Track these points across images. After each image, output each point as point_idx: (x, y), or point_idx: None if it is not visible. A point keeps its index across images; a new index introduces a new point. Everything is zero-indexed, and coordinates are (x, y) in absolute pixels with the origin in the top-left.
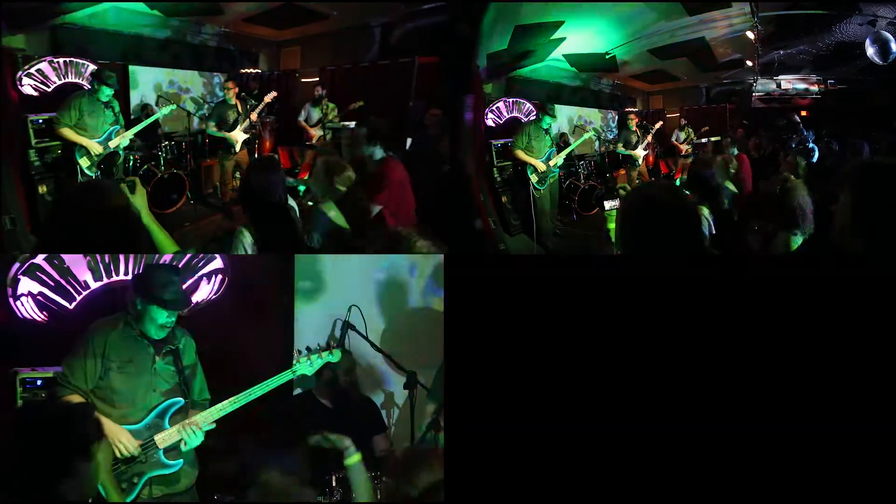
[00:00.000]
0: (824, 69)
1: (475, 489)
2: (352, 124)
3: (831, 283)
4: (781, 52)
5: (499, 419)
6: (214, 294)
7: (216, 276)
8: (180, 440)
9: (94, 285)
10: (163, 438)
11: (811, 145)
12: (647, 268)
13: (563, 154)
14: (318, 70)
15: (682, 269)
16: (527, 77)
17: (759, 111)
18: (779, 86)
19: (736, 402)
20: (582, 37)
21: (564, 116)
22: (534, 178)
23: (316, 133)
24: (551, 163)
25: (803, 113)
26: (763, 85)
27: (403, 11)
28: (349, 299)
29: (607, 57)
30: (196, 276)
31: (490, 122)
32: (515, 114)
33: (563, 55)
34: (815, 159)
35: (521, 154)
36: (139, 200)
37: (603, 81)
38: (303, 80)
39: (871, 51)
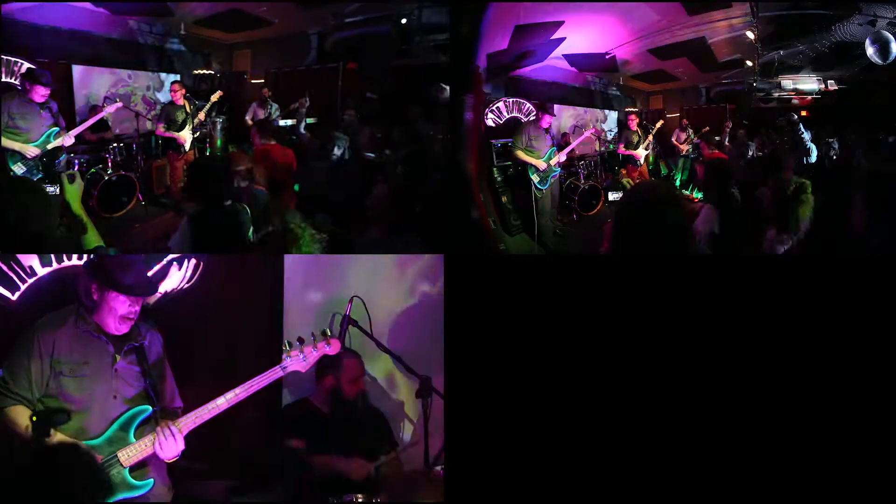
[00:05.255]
0: (824, 69)
1: (476, 490)
2: (289, 122)
3: (826, 284)
4: (781, 52)
5: (500, 419)
6: (187, 282)
7: (188, 262)
8: (151, 454)
9: (41, 272)
10: (128, 455)
11: (810, 145)
12: (646, 268)
13: (564, 153)
14: (264, 72)
15: (680, 269)
16: (527, 77)
17: (759, 111)
18: (779, 86)
19: (734, 401)
20: (582, 37)
21: (565, 116)
22: (535, 178)
23: None
24: (552, 162)
25: (803, 113)
26: (763, 85)
27: (333, 22)
28: (349, 289)
29: (607, 57)
30: (164, 261)
31: (490, 122)
32: (515, 114)
33: (563, 55)
34: (813, 159)
35: (521, 154)
36: (73, 191)
37: (603, 81)
38: (252, 81)
39: (871, 51)
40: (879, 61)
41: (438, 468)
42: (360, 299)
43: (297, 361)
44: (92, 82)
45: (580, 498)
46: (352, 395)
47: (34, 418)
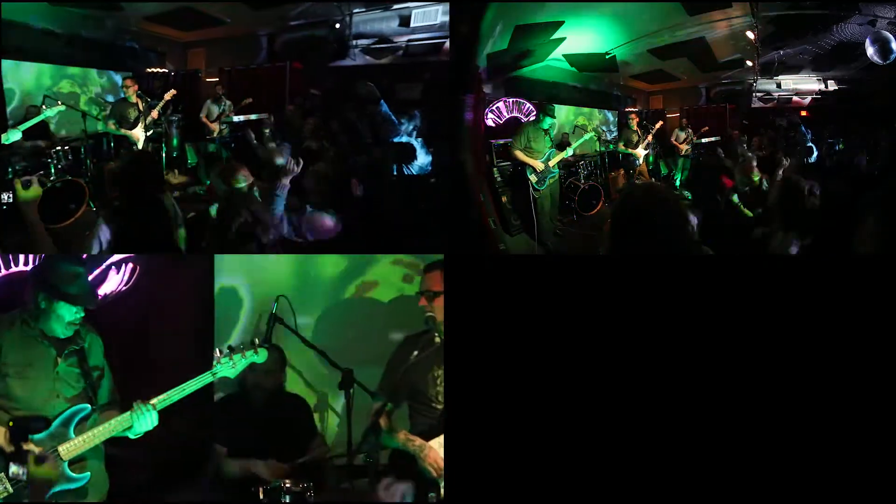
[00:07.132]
0: (824, 69)
1: (476, 489)
2: (242, 118)
3: (827, 284)
4: (781, 52)
5: (499, 418)
6: (125, 285)
7: (126, 266)
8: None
9: None
10: (67, 449)
11: (810, 145)
12: (646, 268)
13: (563, 154)
14: (217, 70)
15: (680, 270)
16: (527, 77)
17: (759, 111)
18: (779, 86)
19: (733, 401)
20: (582, 37)
21: (565, 116)
22: (533, 179)
23: (216, 127)
24: (551, 163)
25: (803, 113)
26: (763, 85)
27: (281, 24)
28: (276, 290)
29: (607, 57)
30: (103, 266)
31: (490, 122)
32: (515, 114)
33: (563, 55)
34: (813, 159)
35: (520, 155)
36: (28, 198)
37: (603, 81)
38: (206, 79)
39: (871, 51)
40: (879, 61)
41: (362, 455)
42: (286, 298)
43: (226, 368)
44: (27, 79)
45: (580, 498)
46: (271, 388)
47: (11, 423)
